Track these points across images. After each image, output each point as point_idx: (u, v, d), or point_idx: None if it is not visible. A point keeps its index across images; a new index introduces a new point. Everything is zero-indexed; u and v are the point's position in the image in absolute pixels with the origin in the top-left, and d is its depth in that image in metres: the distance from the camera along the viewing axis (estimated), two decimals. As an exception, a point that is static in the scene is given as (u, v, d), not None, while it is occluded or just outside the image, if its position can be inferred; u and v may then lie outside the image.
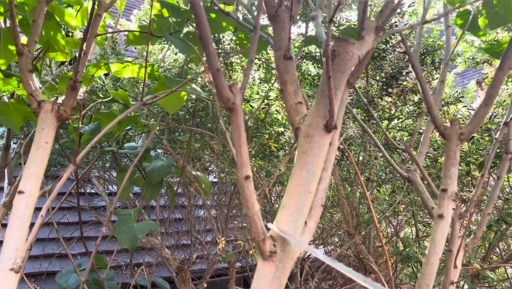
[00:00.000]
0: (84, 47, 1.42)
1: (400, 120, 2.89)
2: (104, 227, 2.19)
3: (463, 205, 2.38)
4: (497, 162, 2.00)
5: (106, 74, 2.00)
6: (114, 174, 3.75)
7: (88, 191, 3.92)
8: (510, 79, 2.79)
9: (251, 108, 2.93)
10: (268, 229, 0.99)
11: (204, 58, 0.91)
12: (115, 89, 2.60)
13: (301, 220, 1.02)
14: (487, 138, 2.10)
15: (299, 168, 1.05)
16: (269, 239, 0.95)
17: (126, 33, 2.02)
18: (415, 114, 2.80)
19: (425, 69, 2.73)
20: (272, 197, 3.14)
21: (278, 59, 1.13)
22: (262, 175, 3.03)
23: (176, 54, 3.00)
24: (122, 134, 2.79)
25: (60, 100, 1.43)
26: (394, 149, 2.50)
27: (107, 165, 3.44)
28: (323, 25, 1.66)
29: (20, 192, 1.28)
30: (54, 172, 3.66)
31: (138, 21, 3.41)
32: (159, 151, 3.33)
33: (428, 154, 2.40)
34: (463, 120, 2.72)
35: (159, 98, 1.53)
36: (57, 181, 1.47)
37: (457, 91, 2.93)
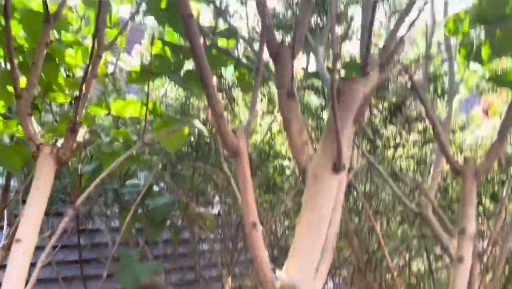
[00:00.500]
0: (83, 89, 1.40)
1: (406, 149, 2.85)
2: (106, 268, 2.13)
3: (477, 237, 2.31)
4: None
5: (107, 113, 1.98)
6: (116, 209, 3.68)
7: (89, 228, 3.85)
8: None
9: (254, 141, 2.91)
10: (277, 277, 0.93)
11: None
12: (116, 125, 2.58)
13: (312, 265, 0.97)
14: (497, 167, 2.06)
15: (308, 211, 1.00)
16: (279, 290, 0.89)
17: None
18: (421, 143, 2.76)
19: (429, 97, 2.71)
20: (278, 232, 3.07)
21: (281, 97, 1.11)
22: (266, 207, 2.97)
23: (177, 89, 3.00)
24: (124, 171, 2.75)
25: (59, 143, 1.40)
26: (402, 179, 2.44)
27: (108, 201, 3.39)
28: (323, 57, 1.65)
29: (18, 240, 1.24)
30: (55, 209, 3.60)
31: (140, 56, 3.44)
32: (162, 184, 3.28)
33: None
34: (470, 148, 2.68)
35: (161, 138, 1.50)
36: (58, 224, 1.43)
37: (462, 120, 2.91)
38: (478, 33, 1.78)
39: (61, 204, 3.59)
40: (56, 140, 1.39)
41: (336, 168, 0.97)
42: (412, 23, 1.16)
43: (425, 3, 1.16)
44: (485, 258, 1.53)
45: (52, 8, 1.77)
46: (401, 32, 1.24)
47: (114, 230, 3.82)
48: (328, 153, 0.99)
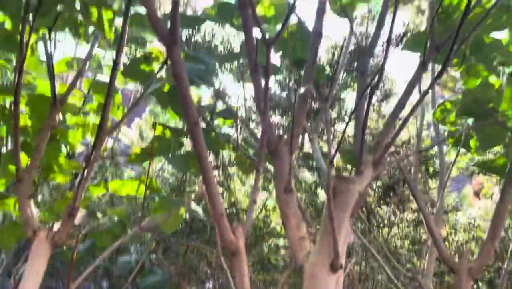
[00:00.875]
0: (85, 174, 1.43)
1: (400, 228, 2.86)
2: None
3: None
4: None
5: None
6: (105, 284, 3.55)
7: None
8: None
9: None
10: None
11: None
12: (111, 201, 2.58)
13: None
14: (493, 255, 2.06)
15: (305, 311, 1.00)
16: None
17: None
18: (414, 223, 2.77)
19: (420, 179, 2.77)
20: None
21: (279, 192, 1.13)
22: (260, 287, 2.89)
23: (175, 165, 3.04)
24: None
25: (56, 226, 1.40)
26: (397, 260, 2.43)
27: (98, 276, 3.29)
28: (319, 142, 1.71)
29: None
30: (43, 284, 3.47)
31: (139, 130, 3.53)
32: (153, 260, 3.20)
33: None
34: (463, 228, 2.69)
35: (158, 222, 1.51)
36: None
37: (455, 200, 2.95)
38: (465, 122, 1.87)
39: (48, 276, 3.48)
40: (52, 225, 1.40)
41: (333, 267, 0.98)
42: (404, 123, 1.22)
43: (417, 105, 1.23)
44: None
45: (60, 89, 1.85)
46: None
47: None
48: (325, 251, 1.00)
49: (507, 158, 1.60)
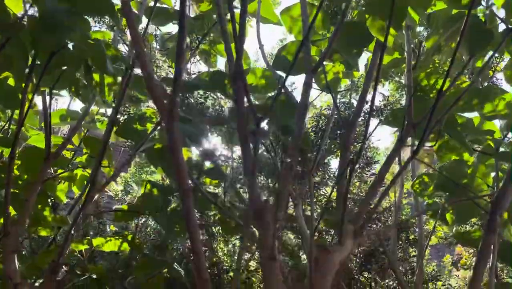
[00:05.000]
0: (72, 231, 1.45)
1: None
2: None
3: None
4: None
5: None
6: None
7: None
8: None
9: (229, 279, 2.87)
10: None
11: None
12: (92, 256, 2.53)
13: None
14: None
15: None
16: None
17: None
18: (395, 291, 2.77)
19: (401, 246, 2.82)
20: None
21: (263, 259, 1.17)
22: None
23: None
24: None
25: (38, 283, 1.39)
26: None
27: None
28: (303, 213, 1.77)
29: None
30: None
31: (124, 183, 3.54)
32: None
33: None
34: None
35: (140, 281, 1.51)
36: None
37: (434, 269, 2.98)
38: (443, 195, 1.96)
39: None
40: (35, 280, 1.39)
41: (313, 337, 1.00)
42: (384, 195, 1.30)
43: (395, 178, 1.31)
44: None
45: (53, 141, 1.89)
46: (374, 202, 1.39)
47: None
48: (305, 320, 1.03)
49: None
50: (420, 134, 1.27)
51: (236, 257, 2.98)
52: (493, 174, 1.82)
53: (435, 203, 1.85)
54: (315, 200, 2.60)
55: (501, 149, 1.74)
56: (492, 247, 1.47)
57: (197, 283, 0.93)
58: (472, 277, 1.11)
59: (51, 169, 2.06)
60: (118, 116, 2.91)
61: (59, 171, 1.97)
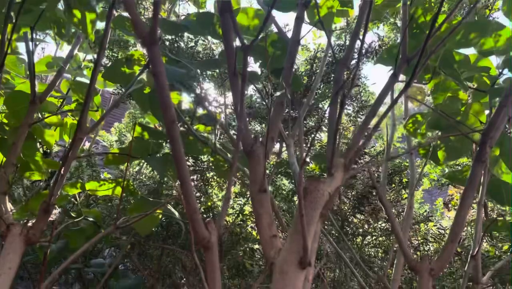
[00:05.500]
0: (62, 171, 1.43)
1: (374, 237, 2.93)
2: None
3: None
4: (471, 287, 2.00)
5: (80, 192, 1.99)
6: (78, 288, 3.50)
7: (46, 307, 3.61)
8: (474, 201, 2.92)
9: (226, 222, 2.92)
10: None
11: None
12: (87, 203, 2.56)
13: None
14: (458, 262, 2.13)
15: (274, 306, 1.03)
16: None
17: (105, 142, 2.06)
18: (387, 232, 2.84)
19: (394, 188, 2.85)
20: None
21: (253, 192, 1.17)
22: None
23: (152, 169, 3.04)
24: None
25: (30, 223, 1.40)
26: (369, 267, 2.48)
27: (70, 278, 3.24)
28: (295, 149, 1.76)
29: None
30: (13, 287, 3.40)
31: (118, 134, 3.52)
32: (128, 264, 3.18)
33: (402, 276, 2.39)
34: (434, 238, 2.77)
35: (133, 222, 1.52)
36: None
37: (426, 210, 3.04)
38: (435, 135, 1.96)
39: (19, 281, 3.41)
40: (27, 221, 1.40)
41: (302, 264, 1.01)
42: (375, 128, 1.28)
43: (387, 110, 1.29)
44: None
45: (39, 88, 1.85)
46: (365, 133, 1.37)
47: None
48: (294, 248, 1.04)
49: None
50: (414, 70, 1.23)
51: (231, 202, 3.03)
52: (487, 112, 1.80)
53: (428, 141, 1.84)
54: (308, 145, 2.59)
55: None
56: (481, 179, 1.48)
57: (186, 212, 0.92)
58: (459, 206, 1.12)
59: (40, 115, 2.04)
60: (105, 61, 2.84)
61: (47, 115, 1.94)
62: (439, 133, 1.84)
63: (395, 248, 2.40)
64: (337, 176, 1.16)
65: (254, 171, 1.18)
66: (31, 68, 1.62)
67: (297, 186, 0.99)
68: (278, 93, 1.26)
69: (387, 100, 2.09)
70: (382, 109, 1.46)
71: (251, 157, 1.21)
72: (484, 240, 2.60)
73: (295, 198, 2.98)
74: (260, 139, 1.24)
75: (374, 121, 1.31)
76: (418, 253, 2.85)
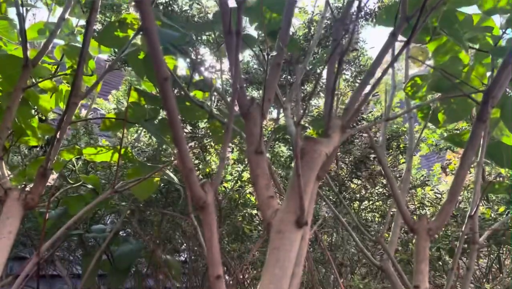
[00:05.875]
0: (57, 136, 1.42)
1: (371, 202, 2.95)
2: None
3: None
4: (467, 248, 2.03)
5: (78, 158, 1.98)
6: (79, 255, 3.56)
7: (50, 273, 3.69)
8: (472, 165, 2.93)
9: (224, 189, 2.94)
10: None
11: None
12: (86, 170, 2.57)
13: (273, 319, 0.99)
14: (454, 224, 2.16)
15: (271, 265, 1.04)
16: None
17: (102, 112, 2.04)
18: (384, 197, 2.86)
19: (391, 154, 2.85)
20: (245, 282, 3.03)
21: (250, 153, 1.16)
22: (234, 256, 2.95)
23: (150, 136, 3.03)
24: (90, 215, 2.71)
25: (28, 188, 1.40)
26: (367, 231, 2.51)
27: (72, 245, 3.29)
28: (292, 116, 1.75)
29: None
30: (15, 253, 3.46)
31: (115, 101, 3.48)
32: (129, 230, 3.22)
33: (399, 238, 2.43)
34: (430, 203, 2.80)
35: (132, 185, 1.52)
36: (19, 270, 1.39)
37: (423, 175, 3.05)
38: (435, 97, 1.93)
39: (21, 247, 3.46)
40: (25, 186, 1.39)
41: (299, 223, 1.02)
42: (373, 88, 1.26)
43: (387, 68, 1.27)
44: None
45: (31, 53, 1.81)
46: (363, 93, 1.35)
47: (76, 276, 3.68)
48: (291, 208, 1.04)
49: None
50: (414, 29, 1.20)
51: (230, 168, 3.04)
52: (488, 74, 1.77)
53: (427, 104, 1.82)
54: (306, 111, 2.58)
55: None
56: (481, 141, 1.47)
57: (182, 172, 0.91)
58: (458, 167, 1.11)
59: (34, 81, 2.01)
60: (99, 27, 2.78)
61: (41, 79, 1.91)
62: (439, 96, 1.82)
63: (392, 213, 2.42)
64: (335, 137, 1.14)
65: (251, 132, 1.17)
66: (22, 31, 1.58)
67: (294, 147, 0.98)
68: (274, 53, 1.23)
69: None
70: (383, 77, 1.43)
71: (247, 118, 1.19)
72: (480, 204, 2.62)
73: (293, 164, 2.98)
74: (257, 101, 1.22)
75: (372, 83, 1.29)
76: (415, 217, 2.88)
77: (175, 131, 0.88)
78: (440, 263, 2.19)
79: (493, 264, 2.48)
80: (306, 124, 1.87)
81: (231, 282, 2.73)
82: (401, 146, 2.84)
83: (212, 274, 0.96)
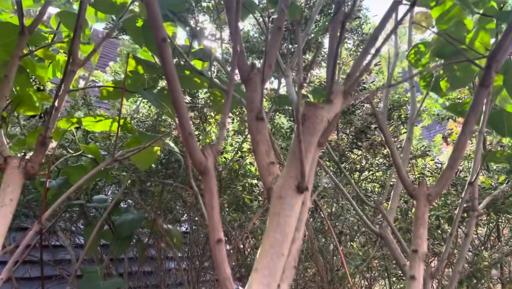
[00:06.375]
0: (56, 104, 1.41)
1: (371, 172, 2.96)
2: (69, 284, 2.09)
3: (435, 258, 2.41)
4: (466, 216, 2.05)
5: (77, 128, 1.97)
6: (81, 226, 3.61)
7: (52, 243, 3.74)
8: (473, 135, 2.92)
9: (225, 159, 2.94)
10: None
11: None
12: (85, 141, 2.56)
13: (274, 284, 1.00)
14: (454, 193, 2.17)
15: (272, 230, 1.04)
16: (241, 307, 0.92)
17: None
18: (384, 167, 2.87)
19: (393, 124, 2.84)
20: (245, 250, 3.08)
21: (251, 120, 1.15)
22: (235, 226, 2.99)
23: (150, 106, 3.01)
24: (91, 185, 2.72)
25: (28, 156, 1.39)
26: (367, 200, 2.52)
27: (74, 216, 3.32)
28: (294, 84, 1.73)
29: (-22, 254, 1.22)
30: (17, 224, 3.50)
31: (113, 73, 3.44)
32: (130, 201, 3.25)
33: (398, 207, 2.44)
34: (431, 173, 2.80)
35: (131, 154, 1.51)
36: (21, 238, 1.40)
37: (424, 145, 3.05)
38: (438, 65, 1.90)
39: (24, 218, 3.49)
40: (24, 154, 1.39)
41: (300, 188, 1.01)
42: (375, 53, 1.24)
43: (390, 34, 1.24)
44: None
45: (27, 22, 1.78)
46: (365, 61, 1.33)
47: (78, 246, 3.74)
48: (292, 174, 1.04)
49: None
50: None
51: (230, 140, 3.03)
52: (492, 40, 1.74)
53: (429, 71, 1.79)
54: (307, 80, 2.55)
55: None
56: (483, 108, 1.45)
57: (181, 136, 0.91)
58: (460, 133, 1.10)
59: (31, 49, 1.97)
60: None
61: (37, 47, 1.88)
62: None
63: (391, 182, 2.43)
64: (336, 103, 1.13)
65: (251, 98, 1.16)
66: (16, -3, 1.54)
67: (295, 112, 0.97)
68: (275, 16, 1.20)
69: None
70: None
71: (247, 84, 1.17)
72: (481, 174, 2.63)
73: (294, 134, 2.97)
74: (257, 67, 1.20)
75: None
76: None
77: (174, 94, 0.87)
78: (439, 231, 2.21)
79: (492, 233, 2.51)
80: (308, 94, 1.85)
81: (231, 251, 2.77)
82: (402, 116, 2.83)
83: (212, 238, 0.96)
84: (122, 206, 3.05)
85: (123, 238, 2.36)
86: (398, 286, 2.86)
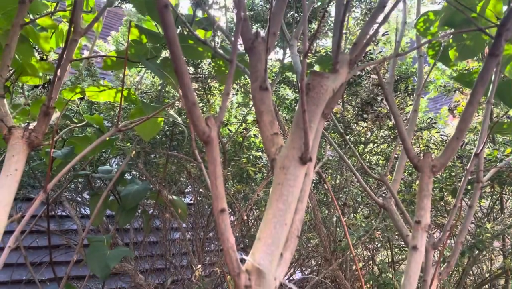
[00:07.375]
0: (58, 73, 1.39)
1: (376, 144, 2.95)
2: (75, 253, 2.13)
3: (438, 229, 2.42)
4: (469, 189, 2.05)
5: (81, 98, 1.96)
6: (87, 196, 3.65)
7: (59, 213, 3.81)
8: (480, 107, 2.89)
9: (229, 132, 2.93)
10: (244, 261, 0.98)
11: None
12: (90, 112, 2.55)
13: (277, 252, 1.01)
14: (459, 165, 2.16)
15: (275, 200, 1.05)
16: (244, 273, 0.93)
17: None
18: (389, 139, 2.85)
19: (399, 95, 2.80)
20: (249, 221, 3.12)
21: (254, 90, 1.14)
22: (239, 198, 3.01)
23: (153, 77, 2.99)
24: (96, 156, 2.74)
25: (32, 126, 1.39)
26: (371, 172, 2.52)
27: (79, 187, 3.36)
28: (299, 54, 1.70)
29: (-14, 224, 1.24)
30: (24, 194, 3.55)
31: (116, 43, 3.40)
32: (135, 173, 3.27)
33: (402, 179, 2.44)
34: (436, 145, 2.79)
35: (135, 124, 1.51)
36: (27, 208, 1.42)
37: (430, 117, 3.01)
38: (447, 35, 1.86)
39: (30, 189, 3.54)
40: (28, 124, 1.39)
41: (303, 159, 1.01)
42: (383, 21, 1.20)
43: (397, 2, 1.20)
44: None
45: (26, -11, 1.74)
46: (372, 30, 1.30)
47: (84, 216, 3.80)
48: (296, 144, 1.03)
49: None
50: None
51: (234, 112, 3.02)
52: (505, 8, 1.69)
53: (438, 41, 1.75)
54: (313, 49, 2.50)
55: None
56: (492, 77, 1.43)
57: (185, 106, 0.89)
58: (467, 102, 1.08)
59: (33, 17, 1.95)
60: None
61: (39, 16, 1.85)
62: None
63: (396, 155, 2.43)
64: (342, 72, 1.11)
65: (255, 68, 1.13)
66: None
67: (299, 81, 0.95)
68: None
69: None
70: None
71: (251, 53, 1.15)
72: (486, 146, 2.61)
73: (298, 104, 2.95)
74: (262, 35, 1.18)
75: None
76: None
77: (177, 63, 0.85)
78: (443, 203, 2.22)
79: (495, 205, 2.52)
80: (313, 63, 1.82)
81: (235, 222, 2.80)
82: (409, 87, 2.79)
83: (216, 207, 0.96)
84: (127, 177, 3.08)
85: (128, 208, 2.39)
86: (400, 257, 2.90)
